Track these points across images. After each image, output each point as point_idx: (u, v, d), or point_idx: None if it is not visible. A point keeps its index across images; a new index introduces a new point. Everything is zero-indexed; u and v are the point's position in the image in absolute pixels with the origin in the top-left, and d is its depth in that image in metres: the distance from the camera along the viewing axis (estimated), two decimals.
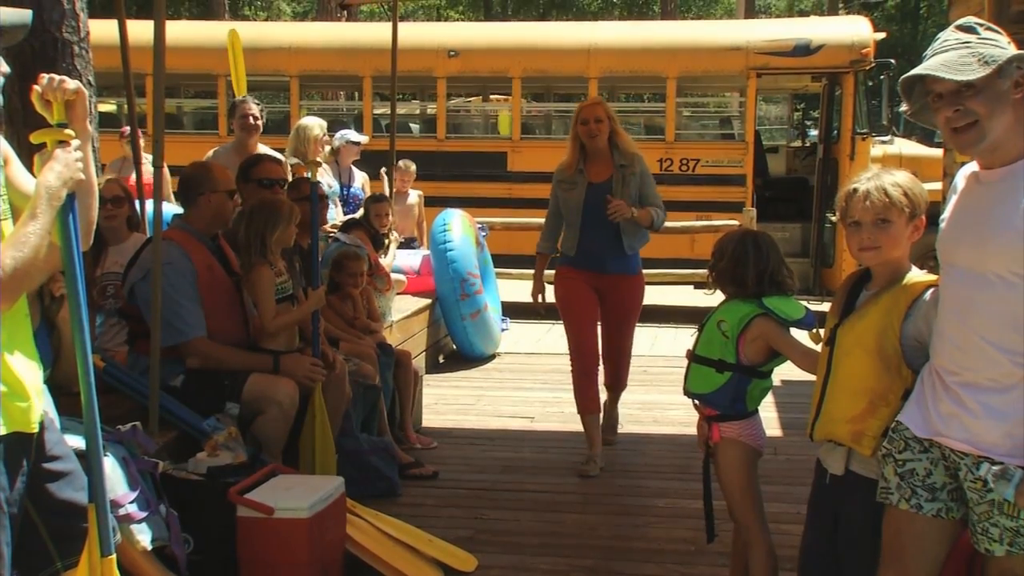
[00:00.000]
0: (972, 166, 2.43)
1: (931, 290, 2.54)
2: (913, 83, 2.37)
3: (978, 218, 2.32)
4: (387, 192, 7.79)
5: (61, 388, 3.07)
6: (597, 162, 5.07)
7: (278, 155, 6.10)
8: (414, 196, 8.68)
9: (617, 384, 5.49)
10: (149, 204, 5.00)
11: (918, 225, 2.61)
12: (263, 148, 6.26)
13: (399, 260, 7.17)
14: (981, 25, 2.32)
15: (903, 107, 2.47)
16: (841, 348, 2.66)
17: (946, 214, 2.47)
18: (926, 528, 2.43)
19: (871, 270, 2.70)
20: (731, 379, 3.18)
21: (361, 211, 6.92)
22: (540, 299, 5.34)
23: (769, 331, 3.15)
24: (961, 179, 2.46)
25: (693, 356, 3.29)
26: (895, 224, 2.57)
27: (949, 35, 2.33)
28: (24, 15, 2.28)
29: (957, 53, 2.26)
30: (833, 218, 9.31)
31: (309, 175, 4.68)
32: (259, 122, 6.34)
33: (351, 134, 7.72)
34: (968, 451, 2.32)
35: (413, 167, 8.60)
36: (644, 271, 5.31)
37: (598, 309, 5.20)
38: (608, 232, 5.02)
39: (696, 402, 3.34)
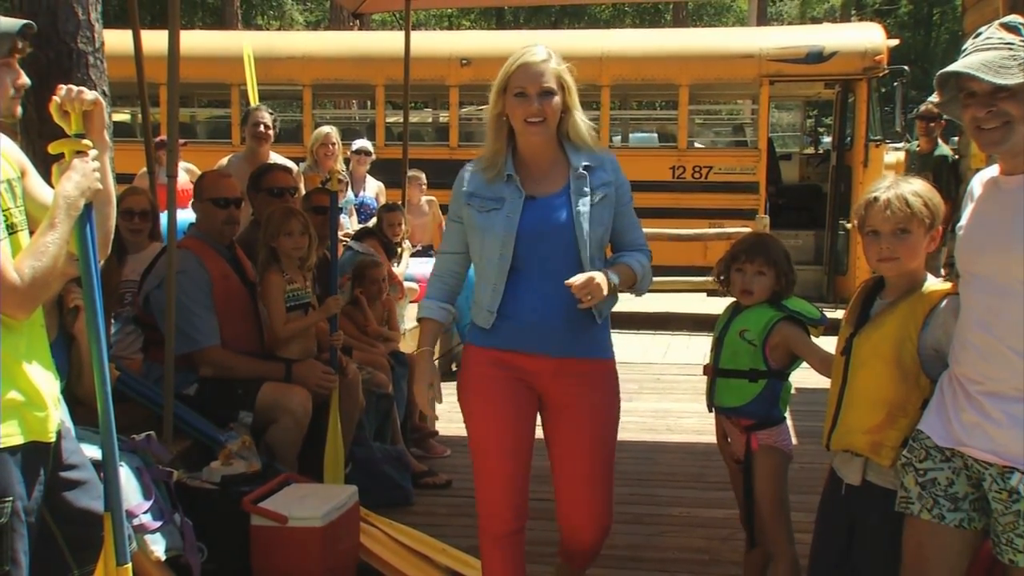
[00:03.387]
0: (989, 172, 2.41)
1: (948, 299, 2.51)
2: (949, 77, 2.34)
3: (1000, 225, 2.30)
4: (402, 201, 7.81)
5: (81, 402, 3.07)
6: (538, 163, 2.93)
7: (290, 164, 6.12)
8: (425, 205, 8.69)
9: (583, 554, 3.24)
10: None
11: (935, 236, 2.59)
12: (275, 157, 6.28)
13: (412, 268, 7.18)
14: None
15: (934, 97, 2.44)
16: (857, 358, 2.64)
17: (964, 221, 2.44)
18: (948, 538, 2.41)
19: (885, 279, 2.68)
20: (766, 386, 3.14)
21: (374, 220, 6.94)
22: (435, 396, 3.11)
23: (791, 335, 3.12)
24: (978, 185, 2.43)
25: (717, 371, 3.23)
26: (914, 234, 2.56)
27: (992, 32, 2.30)
28: (12, 24, 2.24)
29: (998, 54, 2.23)
30: (848, 225, 9.28)
31: (329, 185, 4.66)
32: (271, 131, 6.36)
33: (363, 143, 7.79)
34: (993, 461, 2.30)
35: (419, 175, 8.59)
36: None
37: (533, 425, 3.04)
38: (559, 283, 2.78)
39: (729, 417, 3.25)
